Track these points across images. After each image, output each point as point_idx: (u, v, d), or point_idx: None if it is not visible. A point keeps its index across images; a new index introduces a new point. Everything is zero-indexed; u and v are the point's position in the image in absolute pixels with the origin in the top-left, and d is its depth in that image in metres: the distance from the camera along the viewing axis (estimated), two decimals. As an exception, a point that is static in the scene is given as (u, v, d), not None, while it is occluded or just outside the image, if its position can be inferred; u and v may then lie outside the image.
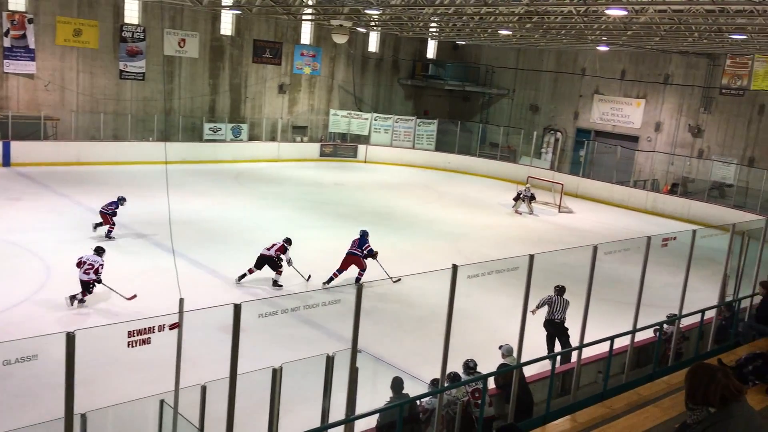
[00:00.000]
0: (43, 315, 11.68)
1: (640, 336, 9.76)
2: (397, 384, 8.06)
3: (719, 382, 3.72)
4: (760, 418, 4.06)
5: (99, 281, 12.22)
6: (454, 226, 21.03)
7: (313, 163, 30.71)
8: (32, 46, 24.36)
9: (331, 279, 13.96)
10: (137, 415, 7.44)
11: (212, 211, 19.99)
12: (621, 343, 9.20)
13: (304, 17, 29.02)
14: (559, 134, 33.14)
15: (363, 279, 13.79)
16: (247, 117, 30.45)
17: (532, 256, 7.72)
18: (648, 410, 6.44)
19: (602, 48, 28.55)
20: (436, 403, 7.54)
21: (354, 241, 14.77)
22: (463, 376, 8.48)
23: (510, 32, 25.20)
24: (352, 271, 14.24)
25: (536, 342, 9.09)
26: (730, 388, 3.71)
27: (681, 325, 10.29)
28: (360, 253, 14.50)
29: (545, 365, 9.24)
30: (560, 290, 11.55)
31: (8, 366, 4.88)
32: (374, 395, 8.29)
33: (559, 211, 24.83)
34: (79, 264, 12.24)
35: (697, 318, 10.13)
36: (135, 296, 12.40)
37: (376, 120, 33.14)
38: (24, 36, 24.17)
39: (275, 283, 14.06)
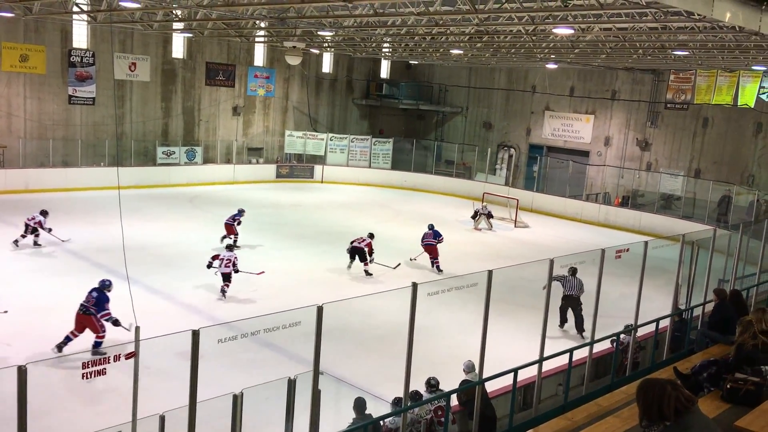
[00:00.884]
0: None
1: (598, 347, 9.92)
2: (359, 404, 8.02)
3: (670, 395, 3.78)
4: (716, 426, 4.15)
5: (237, 270, 14.83)
6: (412, 244, 21.07)
7: (269, 185, 30.52)
8: (-24, 71, 23.74)
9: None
10: (93, 449, 7.22)
11: (167, 236, 19.67)
12: (580, 355, 9.34)
13: (256, 39, 28.98)
14: (512, 150, 33.68)
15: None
16: (201, 140, 30.14)
17: (490, 272, 7.80)
18: (608, 421, 6.52)
19: (551, 66, 29.22)
20: (400, 422, 7.51)
21: (427, 234, 18.48)
22: (426, 395, 8.49)
23: (461, 51, 25.60)
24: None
25: (498, 356, 9.14)
26: (681, 400, 3.77)
27: (637, 335, 10.50)
28: (435, 241, 18.27)
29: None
30: (573, 270, 13.31)
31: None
32: (337, 417, 8.23)
33: (515, 226, 25.16)
34: (215, 258, 14.99)
35: (652, 327, 10.35)
36: (263, 272, 15.54)
37: (331, 140, 33.18)
38: (-33, 62, 23.54)
39: (367, 273, 17.11)
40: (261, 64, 31.99)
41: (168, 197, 25.58)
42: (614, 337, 10.18)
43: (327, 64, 34.78)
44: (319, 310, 6.36)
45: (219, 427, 6.50)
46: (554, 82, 31.90)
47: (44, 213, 17.82)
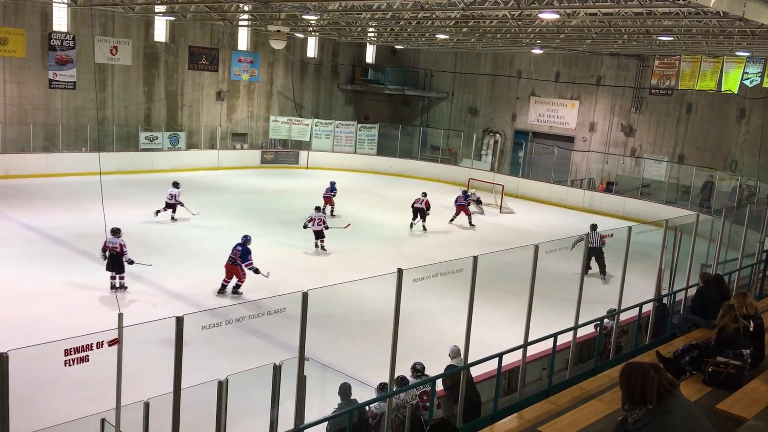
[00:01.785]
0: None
1: (582, 331, 9.98)
2: (345, 390, 8.03)
3: (653, 378, 3.81)
4: (697, 410, 4.18)
5: (327, 227, 17.75)
6: (397, 230, 21.11)
7: (254, 171, 30.35)
8: (-46, 55, 23.32)
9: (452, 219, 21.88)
10: (77, 436, 7.18)
11: (151, 223, 19.51)
12: (564, 339, 9.40)
13: (240, 23, 28.68)
14: (498, 136, 33.70)
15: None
16: (185, 125, 29.87)
17: (476, 258, 7.80)
18: (592, 404, 6.58)
19: (537, 51, 29.19)
20: (386, 407, 7.53)
21: (459, 197, 22.31)
22: (411, 380, 8.51)
23: (447, 36, 25.49)
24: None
25: (483, 341, 9.18)
26: (664, 384, 3.80)
27: (620, 320, 10.58)
28: (466, 202, 22.26)
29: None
30: (594, 226, 16.42)
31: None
32: (323, 403, 8.23)
33: (501, 212, 25.23)
34: (311, 221, 17.72)
35: (635, 312, 10.44)
36: (349, 225, 19.10)
37: (316, 125, 33.02)
38: (-55, 45, 23.12)
39: (424, 228, 20.95)
40: (245, 49, 31.70)
41: (151, 183, 25.35)
42: (598, 322, 10.25)
43: (312, 49, 34.53)
44: (304, 296, 6.33)
45: (204, 413, 6.48)
46: (540, 68, 31.90)
47: (176, 185, 20.14)
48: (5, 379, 4.76)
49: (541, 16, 17.26)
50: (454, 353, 9.04)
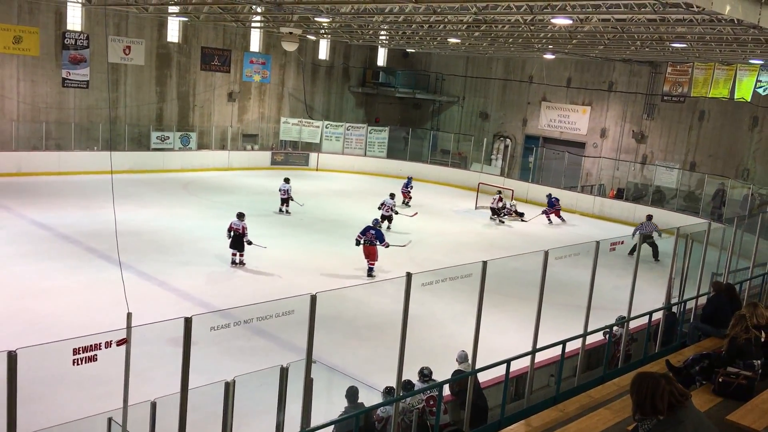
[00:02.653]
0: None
1: (591, 339, 9.92)
2: (352, 393, 8.01)
3: (664, 389, 3.78)
4: (708, 421, 4.15)
5: (396, 212, 21.16)
6: (406, 234, 21.07)
7: (264, 172, 30.41)
8: (-31, 53, 23.51)
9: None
10: (84, 434, 7.20)
11: (161, 222, 19.58)
12: (572, 346, 9.34)
13: (253, 24, 28.78)
14: (508, 141, 33.63)
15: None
16: (196, 125, 29.98)
17: (485, 263, 7.77)
18: (600, 413, 6.53)
19: (548, 56, 29.13)
20: (392, 411, 7.51)
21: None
22: (419, 384, 8.48)
23: (459, 40, 25.48)
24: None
25: (491, 347, 9.15)
26: (675, 394, 3.77)
27: (629, 327, 10.51)
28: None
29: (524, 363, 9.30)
30: (649, 216, 20.70)
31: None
32: (329, 406, 8.22)
33: (511, 218, 25.14)
34: (383, 205, 20.95)
35: (645, 320, 10.36)
36: (416, 213, 21.74)
37: (327, 128, 33.06)
38: (-40, 43, 23.31)
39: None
40: (257, 50, 31.80)
41: (162, 183, 25.47)
42: (607, 329, 10.19)
43: (323, 51, 34.60)
44: (313, 298, 6.32)
45: (210, 414, 6.48)
46: (551, 73, 31.81)
47: (287, 180, 22.45)
48: (14, 376, 4.77)
49: (553, 21, 17.22)
50: (462, 358, 9.01)
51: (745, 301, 10.89)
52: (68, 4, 25.09)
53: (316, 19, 22.13)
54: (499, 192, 24.53)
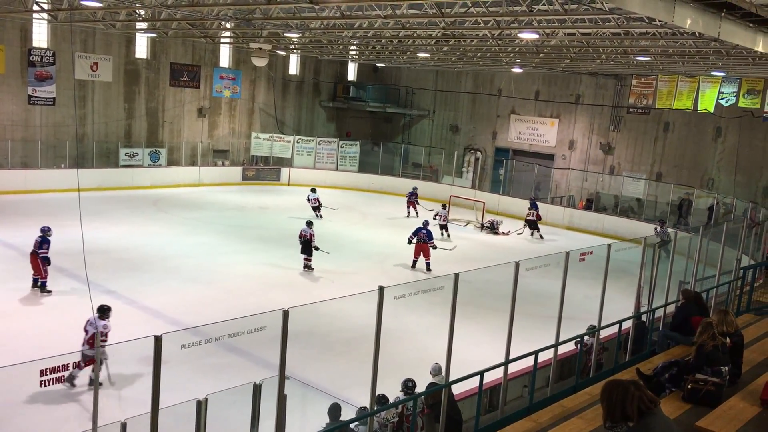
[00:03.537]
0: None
1: (563, 349, 10.01)
2: (334, 410, 7.97)
3: (634, 395, 3.84)
4: (677, 428, 4.21)
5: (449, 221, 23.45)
6: (379, 247, 21.10)
7: (235, 187, 30.24)
8: (-69, 70, 23.05)
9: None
10: (52, 458, 7.05)
11: (130, 239, 19.34)
12: (545, 356, 9.42)
13: (222, 40, 28.70)
14: (479, 153, 33.92)
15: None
16: (166, 141, 29.73)
17: (457, 275, 7.82)
18: (573, 422, 6.59)
19: (517, 70, 29.51)
20: (365, 430, 7.48)
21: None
22: (401, 395, 8.48)
23: (428, 55, 25.70)
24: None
25: (464, 359, 9.17)
26: (644, 401, 3.83)
27: (600, 337, 10.63)
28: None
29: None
30: (662, 222, 22.09)
31: None
32: (304, 422, 8.17)
33: (482, 230, 25.31)
34: (437, 215, 22.83)
35: (615, 329, 10.49)
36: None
37: (298, 142, 33.02)
38: None
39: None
40: (227, 66, 31.71)
41: (131, 200, 25.17)
42: (578, 339, 10.29)
43: (294, 66, 34.62)
44: (285, 314, 6.30)
45: (182, 433, 6.40)
46: (520, 86, 32.23)
47: (314, 190, 24.82)
48: (-21, 399, 4.67)
49: (520, 36, 17.49)
50: (436, 371, 9.02)
51: (713, 308, 11.10)
52: (34, 20, 24.78)
53: (285, 34, 22.16)
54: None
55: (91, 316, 9.59)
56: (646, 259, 10.91)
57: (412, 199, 26.94)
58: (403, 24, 17.89)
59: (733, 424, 6.15)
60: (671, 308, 11.25)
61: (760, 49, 12.42)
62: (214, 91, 31.33)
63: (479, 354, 9.93)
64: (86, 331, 9.66)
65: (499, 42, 19.74)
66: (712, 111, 25.37)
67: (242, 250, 19.33)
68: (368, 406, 7.55)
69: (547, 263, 9.52)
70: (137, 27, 25.43)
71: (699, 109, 25.57)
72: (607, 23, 15.34)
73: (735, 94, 24.79)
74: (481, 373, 8.32)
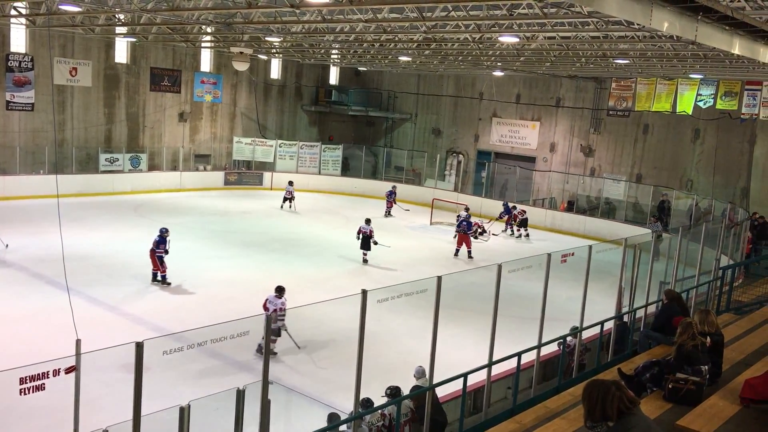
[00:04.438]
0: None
1: (545, 350, 10.07)
2: (331, 420, 7.92)
3: (614, 395, 3.87)
4: (657, 427, 4.25)
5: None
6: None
7: (217, 192, 30.09)
8: None
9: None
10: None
11: (111, 246, 19.16)
12: (528, 357, 9.47)
13: (203, 45, 28.58)
14: (461, 156, 34.05)
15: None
16: (146, 146, 29.52)
17: (439, 278, 7.84)
18: (555, 422, 6.63)
19: (498, 73, 29.68)
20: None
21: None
22: (386, 400, 8.47)
23: (409, 58, 25.77)
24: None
25: (448, 361, 9.19)
26: (624, 401, 3.86)
27: (582, 338, 10.71)
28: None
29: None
30: (656, 217, 23.70)
31: None
32: (288, 427, 8.14)
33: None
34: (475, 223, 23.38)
35: (597, 330, 10.57)
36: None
37: (280, 147, 32.94)
38: None
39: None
40: (208, 70, 31.57)
41: (112, 205, 24.95)
42: (561, 340, 10.35)
43: (275, 70, 34.55)
44: (268, 319, 6.29)
45: (165, 441, 6.35)
46: (501, 89, 32.40)
47: (291, 183, 26.71)
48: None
49: (501, 39, 17.58)
50: (419, 374, 9.03)
51: (693, 308, 11.21)
52: (11, 25, 24.51)
53: (266, 38, 22.12)
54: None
55: (270, 295, 12.07)
56: (626, 260, 11.00)
57: (391, 198, 27.38)
58: (384, 28, 17.93)
59: (714, 423, 6.22)
60: (652, 308, 11.35)
61: (736, 51, 12.60)
62: (195, 96, 31.17)
63: (463, 356, 9.95)
64: (266, 308, 11.70)
65: (479, 45, 19.85)
66: (690, 113, 25.66)
67: (224, 255, 19.24)
68: (353, 411, 7.54)
69: (529, 265, 9.58)
70: (117, 31, 25.27)
71: (677, 111, 25.86)
72: (586, 26, 15.48)
73: (713, 96, 25.11)
74: (465, 376, 8.35)
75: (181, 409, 6.05)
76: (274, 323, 11.02)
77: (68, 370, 5.39)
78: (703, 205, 25.10)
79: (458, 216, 23.45)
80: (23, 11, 20.86)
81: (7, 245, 17.86)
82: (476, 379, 9.06)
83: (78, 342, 5.62)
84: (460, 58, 24.19)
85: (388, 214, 27.28)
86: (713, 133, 26.28)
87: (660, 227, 22.90)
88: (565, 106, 30.54)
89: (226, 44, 25.78)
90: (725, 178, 26.07)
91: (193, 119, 31.32)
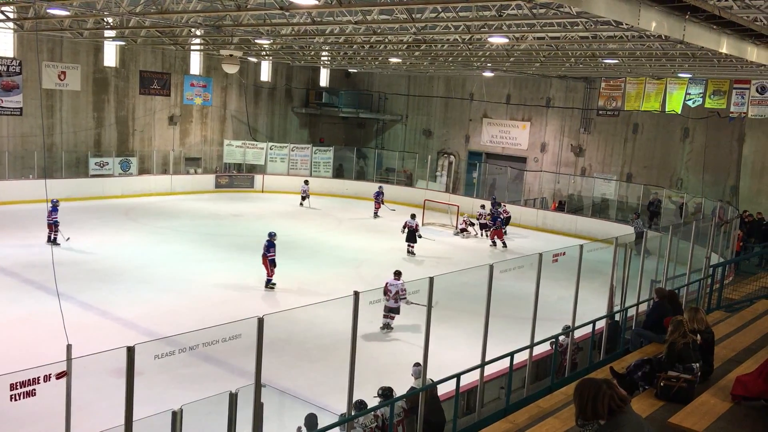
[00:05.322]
0: None
1: (538, 349, 10.10)
2: (311, 421, 7.92)
3: (605, 393, 3.88)
4: (647, 425, 4.26)
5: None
6: (354, 252, 21.08)
7: (208, 195, 30.00)
8: None
9: None
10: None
11: (102, 250, 19.06)
12: (520, 357, 9.48)
13: (192, 47, 28.50)
14: (452, 157, 34.09)
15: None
16: (136, 150, 29.40)
17: (431, 279, 7.85)
18: (548, 422, 6.64)
19: (488, 74, 29.74)
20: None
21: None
22: (380, 401, 8.45)
23: (400, 60, 25.79)
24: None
25: (441, 362, 9.20)
26: (615, 399, 3.87)
27: (575, 337, 10.74)
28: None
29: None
30: (638, 214, 23.80)
31: None
32: (281, 430, 8.12)
33: (455, 234, 25.41)
34: (479, 217, 24.79)
35: (589, 329, 10.61)
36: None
37: (271, 149, 32.89)
38: None
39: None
40: (197, 73, 31.48)
41: (102, 210, 24.83)
42: (553, 339, 10.38)
43: (265, 73, 34.49)
44: (260, 321, 6.27)
45: (158, 445, 6.32)
46: (491, 90, 32.47)
47: (306, 182, 28.29)
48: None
49: (490, 40, 17.62)
50: (417, 374, 9.02)
51: (684, 306, 11.26)
52: (-1, 29, 24.39)
53: (256, 41, 22.08)
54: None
55: (390, 279, 13.38)
56: (617, 259, 11.05)
57: (379, 199, 27.56)
58: (374, 29, 17.93)
59: (705, 420, 6.24)
60: (643, 307, 11.40)
61: (724, 50, 12.67)
62: (185, 99, 31.07)
63: (456, 356, 9.97)
64: (389, 290, 12.94)
65: (469, 46, 19.88)
66: (679, 112, 25.79)
67: (216, 259, 19.18)
68: (346, 413, 7.52)
69: (520, 265, 9.60)
70: (105, 35, 25.15)
71: (667, 110, 25.99)
72: (575, 27, 15.54)
73: (701, 95, 25.25)
74: (458, 376, 8.35)
75: (174, 414, 6.03)
76: (395, 303, 13.03)
77: (59, 376, 5.36)
78: (692, 205, 25.23)
79: (478, 213, 25.35)
80: (11, 15, 20.73)
81: (68, 238, 18.81)
82: (469, 379, 9.07)
83: (69, 347, 5.58)
84: (450, 59, 24.23)
85: (375, 215, 27.28)
86: (702, 131, 26.43)
87: (641, 225, 23.18)
88: (555, 106, 30.64)
89: (216, 47, 25.73)
90: (714, 176, 26.22)
91: (183, 122, 31.22)
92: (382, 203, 27.70)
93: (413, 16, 15.35)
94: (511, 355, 9.00)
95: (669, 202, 25.94)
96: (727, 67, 19.94)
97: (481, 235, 24.74)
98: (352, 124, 37.60)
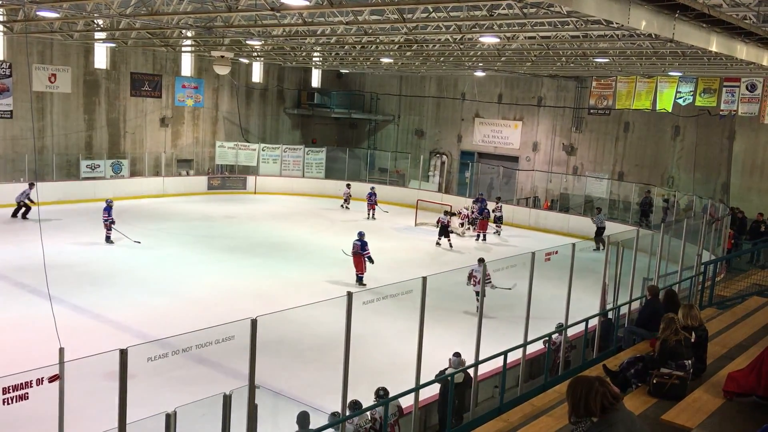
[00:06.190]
0: None
1: (531, 348, 10.12)
2: (302, 419, 7.91)
3: (597, 391, 3.90)
4: (640, 422, 4.28)
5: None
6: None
7: (200, 197, 29.93)
8: None
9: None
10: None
11: (94, 253, 19.00)
12: (514, 356, 9.51)
13: (183, 49, 28.42)
14: (444, 157, 34.13)
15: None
16: (128, 152, 29.30)
17: (425, 279, 7.86)
18: (542, 420, 6.66)
19: (479, 73, 29.79)
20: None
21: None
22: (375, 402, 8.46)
23: (391, 60, 25.80)
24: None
25: (435, 362, 9.21)
26: (608, 396, 3.89)
27: (568, 335, 10.77)
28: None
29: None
30: (599, 210, 24.57)
31: None
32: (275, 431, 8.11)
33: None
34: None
35: (582, 327, 10.64)
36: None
37: (264, 150, 32.83)
38: None
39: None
40: (189, 74, 31.40)
41: (94, 212, 24.69)
42: (546, 338, 10.41)
43: (257, 74, 34.44)
44: (253, 323, 6.26)
45: (152, 448, 6.30)
46: (483, 90, 32.53)
47: (348, 186, 29.04)
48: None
49: (481, 40, 17.65)
50: (456, 364, 8.96)
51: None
52: (-12, 31, 24.26)
53: (247, 42, 22.04)
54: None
55: (474, 265, 14.22)
56: (609, 257, 11.09)
57: (372, 200, 27.46)
58: (365, 30, 17.93)
59: (698, 417, 6.28)
60: (636, 305, 11.45)
61: (713, 48, 12.73)
62: (177, 101, 30.99)
63: (450, 356, 9.97)
64: (474, 276, 14.07)
65: (461, 46, 19.91)
66: (670, 110, 25.91)
67: (209, 260, 19.14)
68: (340, 412, 7.52)
69: (513, 264, 9.62)
70: (96, 37, 25.04)
71: (657, 108, 26.11)
72: (566, 26, 15.59)
73: (692, 93, 25.38)
74: (452, 375, 8.37)
75: (168, 416, 6.02)
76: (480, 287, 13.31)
77: (52, 379, 5.34)
78: (684, 202, 25.34)
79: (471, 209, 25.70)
80: (0, 18, 20.62)
81: (138, 242, 19.81)
82: (463, 378, 9.07)
83: (61, 350, 5.57)
84: (442, 58, 24.25)
85: (371, 216, 27.24)
86: (693, 129, 26.54)
87: (603, 219, 23.94)
88: (547, 106, 30.72)
89: (207, 48, 25.67)
90: (706, 174, 26.34)
91: (175, 124, 31.14)
92: (376, 204, 27.58)
93: (404, 16, 15.36)
94: (505, 353, 9.02)
95: (661, 201, 26.05)
96: (717, 65, 20.04)
97: (470, 229, 25.05)
98: (344, 125, 37.59)
